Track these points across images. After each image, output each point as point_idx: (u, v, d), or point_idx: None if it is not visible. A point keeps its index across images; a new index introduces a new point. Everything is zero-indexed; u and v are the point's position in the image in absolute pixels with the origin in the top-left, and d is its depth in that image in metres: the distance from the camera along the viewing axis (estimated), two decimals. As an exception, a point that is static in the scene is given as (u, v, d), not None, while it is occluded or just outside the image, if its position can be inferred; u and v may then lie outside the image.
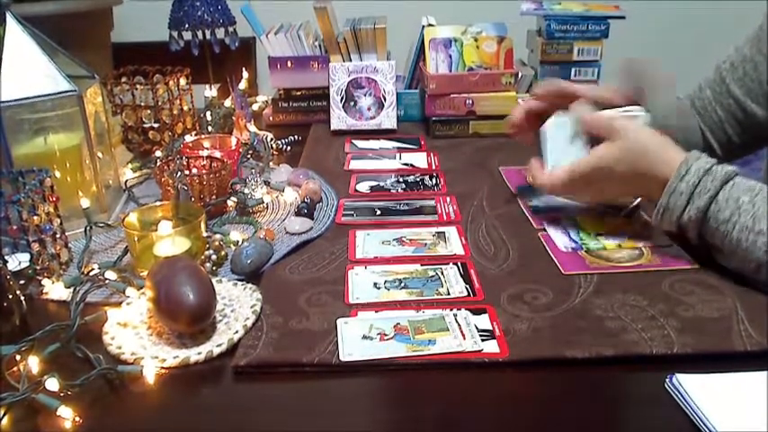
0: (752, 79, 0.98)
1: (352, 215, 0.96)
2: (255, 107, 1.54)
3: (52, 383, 0.60)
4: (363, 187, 1.07)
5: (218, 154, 1.03)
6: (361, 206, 0.99)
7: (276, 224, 0.94)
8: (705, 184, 0.73)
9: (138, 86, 1.19)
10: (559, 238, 0.86)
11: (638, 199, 0.90)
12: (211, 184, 0.95)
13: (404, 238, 0.88)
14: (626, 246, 0.83)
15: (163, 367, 0.64)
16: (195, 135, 1.21)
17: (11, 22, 0.87)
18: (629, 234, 0.86)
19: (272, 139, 1.23)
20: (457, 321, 0.68)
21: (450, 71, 1.30)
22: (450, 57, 1.30)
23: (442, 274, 0.79)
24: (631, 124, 0.81)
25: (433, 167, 1.15)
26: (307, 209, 0.94)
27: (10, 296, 0.69)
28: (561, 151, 0.87)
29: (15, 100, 0.85)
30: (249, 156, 1.17)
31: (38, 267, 0.78)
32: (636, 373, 0.62)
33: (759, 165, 1.07)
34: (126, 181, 1.08)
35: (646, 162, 0.78)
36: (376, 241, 0.87)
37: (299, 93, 1.41)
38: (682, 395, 0.57)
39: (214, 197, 0.95)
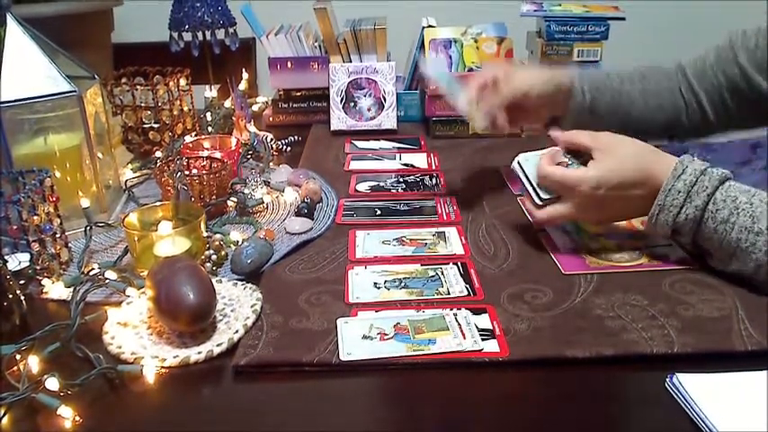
0: (763, 52, 0.94)
1: (353, 215, 0.96)
2: (255, 108, 1.54)
3: (52, 383, 0.60)
4: (363, 187, 1.07)
5: (218, 154, 1.03)
6: (361, 206, 0.99)
7: (276, 224, 0.94)
8: (702, 182, 0.72)
9: (138, 87, 1.19)
10: (559, 238, 0.86)
11: None
12: (211, 185, 0.95)
13: (404, 238, 0.88)
14: (626, 246, 0.83)
15: (163, 367, 0.64)
16: (195, 135, 1.21)
17: (11, 24, 0.87)
18: (629, 234, 0.86)
19: (272, 140, 1.23)
20: (457, 321, 0.68)
21: (451, 72, 1.30)
22: (451, 57, 1.31)
23: (442, 273, 0.79)
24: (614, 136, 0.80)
25: (433, 167, 1.15)
26: (307, 209, 0.94)
27: (10, 296, 0.69)
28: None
29: (15, 100, 0.86)
30: (249, 156, 1.17)
31: (38, 267, 0.78)
32: (636, 372, 0.62)
33: (760, 164, 1.07)
34: (126, 181, 1.08)
35: (650, 158, 0.77)
36: (376, 241, 0.87)
37: (298, 93, 1.41)
38: (682, 395, 0.57)
39: (214, 197, 0.95)
